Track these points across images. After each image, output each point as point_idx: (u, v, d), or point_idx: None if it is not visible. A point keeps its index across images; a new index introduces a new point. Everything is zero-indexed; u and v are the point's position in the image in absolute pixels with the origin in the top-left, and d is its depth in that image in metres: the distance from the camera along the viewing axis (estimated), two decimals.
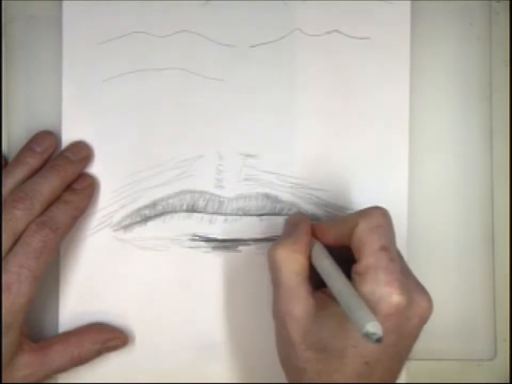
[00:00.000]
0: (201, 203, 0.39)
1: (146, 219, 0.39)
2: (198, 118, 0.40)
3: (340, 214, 0.39)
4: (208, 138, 0.40)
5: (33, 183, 0.36)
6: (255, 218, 0.40)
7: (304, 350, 0.33)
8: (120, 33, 0.39)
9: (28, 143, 0.39)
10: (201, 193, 0.39)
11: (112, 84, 0.39)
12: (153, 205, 0.39)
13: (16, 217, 0.35)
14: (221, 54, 0.39)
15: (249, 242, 0.40)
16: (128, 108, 0.40)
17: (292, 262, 0.34)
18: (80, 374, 0.39)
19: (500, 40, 0.41)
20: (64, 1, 0.39)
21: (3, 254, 0.35)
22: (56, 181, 0.37)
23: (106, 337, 0.38)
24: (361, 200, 0.39)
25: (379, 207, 0.34)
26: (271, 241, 0.39)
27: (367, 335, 0.28)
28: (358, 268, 0.33)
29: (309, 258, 0.35)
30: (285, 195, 0.40)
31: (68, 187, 0.38)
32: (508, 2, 0.40)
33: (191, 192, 0.39)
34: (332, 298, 0.33)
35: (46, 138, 0.39)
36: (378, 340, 0.28)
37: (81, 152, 0.39)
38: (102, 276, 0.40)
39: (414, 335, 0.34)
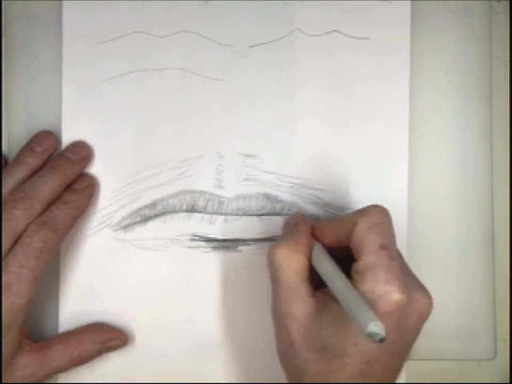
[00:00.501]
0: (201, 203, 0.39)
1: (146, 219, 0.39)
2: (198, 118, 0.40)
3: (339, 214, 0.39)
4: (208, 138, 0.40)
5: (33, 183, 0.36)
6: (255, 218, 0.40)
7: (304, 350, 0.33)
8: (120, 33, 0.39)
9: (28, 143, 0.39)
10: (201, 193, 0.39)
11: (112, 84, 0.39)
12: (153, 205, 0.39)
13: (16, 217, 0.35)
14: (221, 54, 0.39)
15: (249, 242, 0.40)
16: (128, 107, 0.40)
17: (292, 262, 0.34)
18: (80, 374, 0.39)
19: (500, 40, 0.40)
20: (64, 1, 0.39)
21: (3, 254, 0.35)
22: (56, 181, 0.37)
23: (106, 337, 0.38)
24: (361, 200, 0.39)
25: (378, 205, 0.34)
26: (271, 241, 0.39)
27: (370, 335, 0.28)
28: (357, 266, 0.33)
29: (309, 259, 0.35)
30: (285, 195, 0.40)
31: (68, 187, 0.38)
32: (507, 2, 0.41)
33: (191, 192, 0.39)
34: (331, 298, 0.33)
35: (46, 138, 0.39)
36: (381, 340, 0.28)
37: (81, 152, 0.39)
38: (102, 276, 0.40)
39: (414, 333, 0.34)
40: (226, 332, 0.40)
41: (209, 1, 0.39)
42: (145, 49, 0.39)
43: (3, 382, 0.35)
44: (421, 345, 0.39)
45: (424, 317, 0.33)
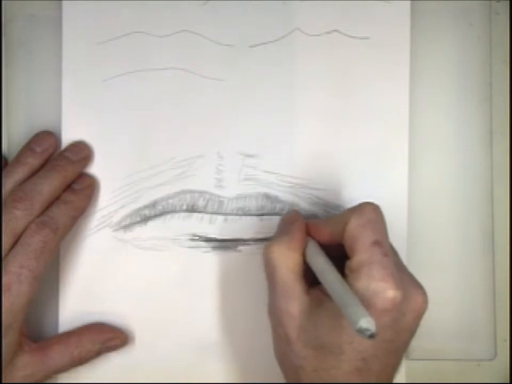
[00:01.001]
0: (201, 203, 0.39)
1: (146, 219, 0.39)
2: (198, 118, 0.40)
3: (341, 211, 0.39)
4: (208, 138, 0.40)
5: (33, 183, 0.36)
6: (254, 218, 0.40)
7: (300, 347, 0.33)
8: (120, 33, 0.39)
9: (28, 143, 0.39)
10: (201, 193, 0.39)
11: (112, 84, 0.39)
12: (153, 205, 0.39)
13: (16, 217, 0.35)
14: (220, 54, 0.39)
15: (249, 242, 0.40)
16: (128, 107, 0.40)
17: (287, 259, 0.34)
18: (80, 374, 0.39)
19: (500, 40, 0.40)
20: (64, 1, 0.39)
21: (3, 254, 0.35)
22: (56, 181, 0.37)
23: (106, 337, 0.39)
24: (361, 200, 0.39)
25: (370, 202, 0.34)
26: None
27: (361, 331, 0.28)
28: (351, 264, 0.33)
29: (304, 256, 0.35)
30: (285, 195, 0.40)
31: (68, 187, 0.38)
32: (507, 2, 0.40)
33: (191, 192, 0.39)
34: (327, 295, 0.33)
35: (46, 138, 0.39)
36: (371, 336, 0.28)
37: (81, 152, 0.39)
38: (102, 276, 0.40)
39: (410, 330, 0.34)
40: (226, 332, 0.40)
41: (209, 1, 0.39)
42: (145, 49, 0.39)
43: (3, 382, 0.35)
44: (421, 345, 0.39)
45: (420, 314, 0.33)
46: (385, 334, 0.32)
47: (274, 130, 0.40)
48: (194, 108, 0.40)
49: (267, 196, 0.40)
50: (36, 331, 0.39)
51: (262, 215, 0.40)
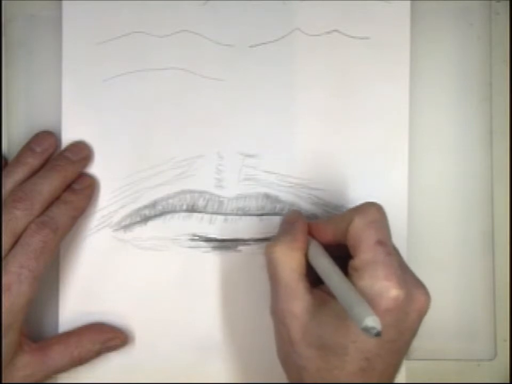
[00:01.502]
0: (201, 203, 0.39)
1: (146, 219, 0.39)
2: (198, 118, 0.40)
3: (343, 211, 0.39)
4: (208, 138, 0.40)
5: (33, 183, 0.36)
6: (255, 218, 0.40)
7: (304, 348, 0.33)
8: (120, 33, 0.39)
9: (28, 143, 0.39)
10: (201, 193, 0.39)
11: (112, 84, 0.39)
12: (153, 205, 0.39)
13: (16, 217, 0.35)
14: (220, 54, 0.39)
15: (249, 242, 0.40)
16: (128, 107, 0.40)
17: (289, 259, 0.34)
18: (80, 374, 0.39)
19: (500, 40, 0.40)
20: (64, 1, 0.39)
21: (3, 254, 0.35)
22: (56, 181, 0.37)
23: (106, 337, 0.38)
24: (361, 199, 0.39)
25: (373, 202, 0.34)
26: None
27: (366, 329, 0.28)
28: (355, 263, 0.33)
29: (306, 256, 0.35)
30: (285, 195, 0.40)
31: (68, 187, 0.38)
32: (507, 2, 0.40)
33: (191, 192, 0.39)
34: (329, 295, 0.33)
35: (46, 138, 0.39)
36: (378, 334, 0.28)
37: (81, 152, 0.39)
38: (102, 276, 0.40)
39: (412, 330, 0.34)
40: (226, 332, 0.40)
41: (209, 1, 0.39)
42: (145, 49, 0.39)
43: (3, 382, 0.35)
44: (421, 345, 0.39)
45: (422, 313, 0.33)
46: (388, 333, 0.32)
47: (274, 130, 0.40)
48: (194, 107, 0.40)
49: (267, 196, 0.40)
50: (36, 331, 0.39)
51: (262, 215, 0.40)
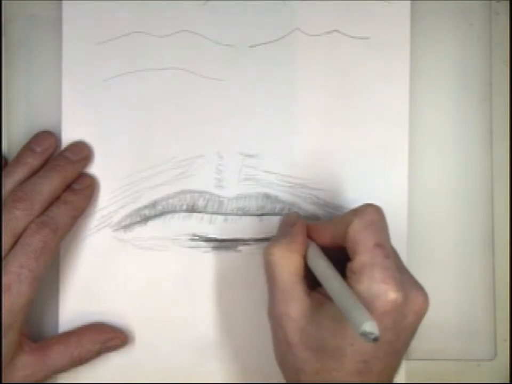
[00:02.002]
0: (201, 203, 0.39)
1: (146, 219, 0.39)
2: (198, 118, 0.40)
3: (339, 214, 0.39)
4: (208, 138, 0.40)
5: (33, 183, 0.36)
6: (255, 218, 0.40)
7: (301, 350, 0.33)
8: (120, 33, 0.39)
9: (28, 143, 0.39)
10: (201, 193, 0.39)
11: (112, 84, 0.39)
12: (153, 205, 0.39)
13: (16, 217, 0.35)
14: (220, 54, 0.39)
15: (249, 242, 0.40)
16: (128, 107, 0.40)
17: (288, 261, 0.34)
18: (80, 374, 0.39)
19: (500, 40, 0.40)
20: (64, 1, 0.39)
21: (3, 254, 0.35)
22: (56, 181, 0.37)
23: (106, 337, 0.38)
24: (361, 200, 0.39)
25: (372, 204, 0.34)
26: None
27: (364, 335, 0.28)
28: (353, 266, 0.33)
29: (305, 259, 0.35)
30: (285, 195, 0.40)
31: (68, 187, 0.38)
32: (507, 2, 0.40)
33: (191, 192, 0.39)
34: (327, 297, 0.33)
35: (46, 138, 0.39)
36: (375, 339, 0.28)
37: (81, 152, 0.39)
38: (102, 276, 0.40)
39: (411, 332, 0.34)
40: (226, 332, 0.40)
41: (209, 1, 0.39)
42: (145, 49, 0.39)
43: (3, 382, 0.35)
44: (421, 345, 0.39)
45: (420, 315, 0.33)
46: (386, 335, 0.32)
47: (274, 130, 0.40)
48: (194, 107, 0.40)
49: (267, 196, 0.40)
50: (36, 331, 0.39)
51: (262, 215, 0.40)
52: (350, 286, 0.32)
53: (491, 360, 0.41)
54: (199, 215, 0.39)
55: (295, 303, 0.34)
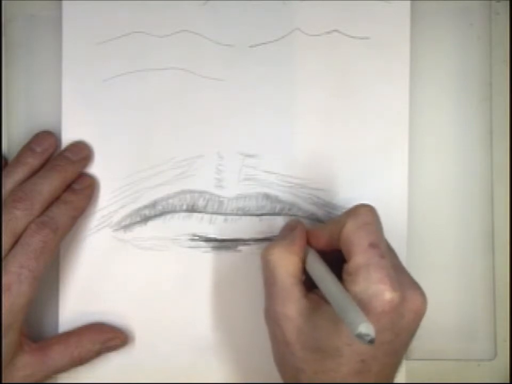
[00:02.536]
0: (201, 203, 0.39)
1: (146, 219, 0.39)
2: (198, 118, 0.40)
3: (339, 214, 0.39)
4: (208, 138, 0.40)
5: (33, 183, 0.36)
6: (254, 218, 0.40)
7: (299, 350, 0.33)
8: (120, 33, 0.39)
9: (28, 143, 0.39)
10: (201, 193, 0.39)
11: (112, 84, 0.39)
12: (153, 205, 0.39)
13: (16, 217, 0.35)
14: (221, 54, 0.39)
15: (249, 242, 0.40)
16: (128, 107, 0.40)
17: (287, 262, 0.34)
18: (80, 374, 0.39)
19: (500, 40, 0.40)
20: (64, 1, 0.39)
21: (3, 254, 0.35)
22: (56, 181, 0.37)
23: (106, 337, 0.38)
24: (361, 200, 0.39)
25: (365, 204, 0.34)
26: (271, 241, 0.39)
27: (360, 336, 0.28)
28: (348, 267, 0.33)
29: (303, 262, 0.35)
30: (285, 195, 0.40)
31: (68, 187, 0.38)
32: (507, 2, 0.40)
33: (191, 192, 0.39)
34: (324, 299, 0.33)
35: (46, 138, 0.39)
36: (371, 341, 0.28)
37: (81, 152, 0.39)
38: (102, 276, 0.40)
39: (409, 331, 0.34)
40: (226, 332, 0.40)
41: (209, 1, 0.39)
42: (145, 49, 0.39)
43: (3, 382, 0.35)
44: (421, 345, 0.39)
45: (419, 314, 0.33)
46: (384, 335, 0.32)
47: (274, 130, 0.40)
48: (194, 107, 0.40)
49: (267, 196, 0.40)
50: (36, 331, 0.39)
51: (262, 215, 0.40)
52: (347, 288, 0.32)
53: (491, 360, 0.41)
54: (199, 215, 0.39)
55: (292, 304, 0.34)
